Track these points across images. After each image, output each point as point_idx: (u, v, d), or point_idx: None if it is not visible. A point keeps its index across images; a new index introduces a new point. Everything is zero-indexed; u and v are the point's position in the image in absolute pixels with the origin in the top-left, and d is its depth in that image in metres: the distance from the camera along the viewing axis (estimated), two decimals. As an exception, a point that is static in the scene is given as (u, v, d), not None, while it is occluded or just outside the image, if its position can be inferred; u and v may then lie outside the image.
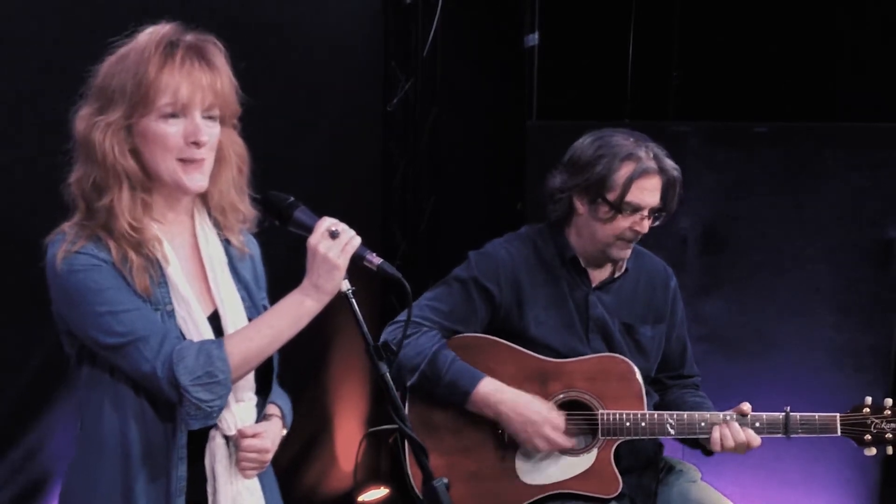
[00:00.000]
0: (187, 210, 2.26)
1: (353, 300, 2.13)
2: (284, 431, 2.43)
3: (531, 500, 2.94)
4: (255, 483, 2.29)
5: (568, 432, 2.92)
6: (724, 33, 5.91)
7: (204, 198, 2.26)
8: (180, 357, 2.06)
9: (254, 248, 2.42)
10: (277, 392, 2.44)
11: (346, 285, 2.13)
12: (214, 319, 2.21)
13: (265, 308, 2.34)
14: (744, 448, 2.86)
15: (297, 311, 2.13)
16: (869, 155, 3.99)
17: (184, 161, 2.12)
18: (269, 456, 2.28)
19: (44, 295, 2.82)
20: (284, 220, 2.17)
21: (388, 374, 2.10)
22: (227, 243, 2.32)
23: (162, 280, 2.15)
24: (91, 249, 2.08)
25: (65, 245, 2.07)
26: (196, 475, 2.20)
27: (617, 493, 2.92)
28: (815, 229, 4.09)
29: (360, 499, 4.90)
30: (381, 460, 5.15)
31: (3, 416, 3.09)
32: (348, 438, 4.90)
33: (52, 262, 2.08)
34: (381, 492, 4.99)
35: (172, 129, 2.09)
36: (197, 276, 2.24)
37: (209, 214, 2.29)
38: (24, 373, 3.04)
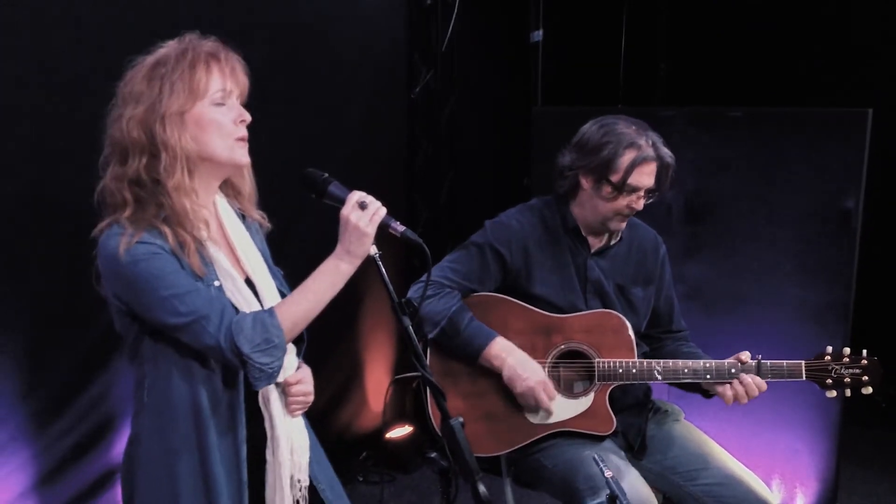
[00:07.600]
0: (214, 193, 2.25)
1: (380, 263, 2.14)
2: None
3: (537, 437, 2.93)
4: (301, 421, 2.32)
5: (565, 380, 2.94)
6: (705, 30, 5.89)
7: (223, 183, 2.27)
8: (239, 329, 2.04)
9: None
10: None
11: (374, 250, 2.14)
12: (249, 286, 2.21)
13: (282, 274, 2.36)
14: (755, 393, 2.83)
15: (334, 274, 2.12)
16: (830, 136, 3.93)
17: (238, 139, 2.13)
18: (312, 397, 2.31)
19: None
20: (320, 193, 2.17)
21: (410, 328, 2.10)
22: (242, 217, 2.31)
23: (208, 259, 2.14)
24: (149, 238, 2.04)
25: (125, 237, 2.02)
26: (253, 419, 2.22)
27: (611, 431, 2.91)
28: (783, 200, 4.04)
29: (387, 435, 4.90)
30: (406, 402, 5.15)
31: (72, 367, 3.08)
32: (377, 383, 4.91)
33: (114, 253, 2.01)
34: (406, 429, 4.99)
35: (223, 114, 2.11)
36: (227, 251, 2.22)
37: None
38: (91, 328, 3.02)
